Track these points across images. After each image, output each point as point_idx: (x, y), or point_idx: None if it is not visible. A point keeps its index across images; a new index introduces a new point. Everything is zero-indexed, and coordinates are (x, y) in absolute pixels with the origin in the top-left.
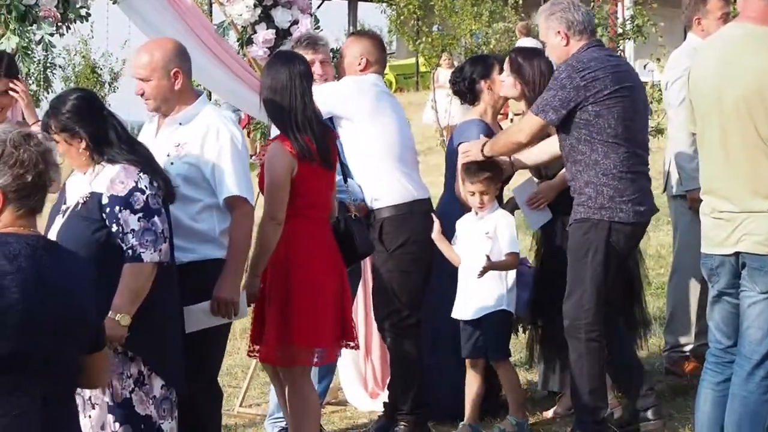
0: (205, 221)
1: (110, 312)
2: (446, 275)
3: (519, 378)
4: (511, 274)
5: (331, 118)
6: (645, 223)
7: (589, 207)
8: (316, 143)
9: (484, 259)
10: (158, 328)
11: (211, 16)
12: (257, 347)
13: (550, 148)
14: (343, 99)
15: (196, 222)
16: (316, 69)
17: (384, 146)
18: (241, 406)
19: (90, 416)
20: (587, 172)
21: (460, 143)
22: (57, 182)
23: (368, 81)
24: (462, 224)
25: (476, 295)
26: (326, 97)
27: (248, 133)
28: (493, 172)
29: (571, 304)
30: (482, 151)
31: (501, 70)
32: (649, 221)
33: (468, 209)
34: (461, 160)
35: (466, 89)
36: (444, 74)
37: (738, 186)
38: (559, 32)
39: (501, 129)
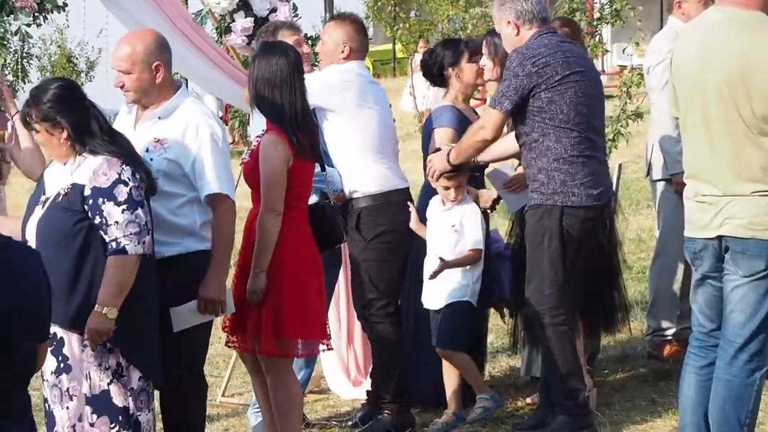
0: (186, 216)
1: (97, 306)
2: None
3: (470, 361)
4: (477, 266)
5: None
6: (601, 206)
7: (542, 193)
8: (310, 138)
9: (446, 252)
10: (138, 320)
11: (186, 4)
12: (233, 338)
13: (511, 143)
14: (328, 92)
15: (177, 217)
16: (304, 48)
17: (365, 138)
18: (223, 395)
19: (67, 408)
20: (540, 159)
21: (433, 128)
22: (40, 172)
23: (353, 71)
24: (430, 214)
25: (441, 286)
26: (311, 89)
27: (226, 122)
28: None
29: (531, 291)
30: (448, 160)
31: (471, 57)
32: (606, 204)
33: None
34: (429, 175)
35: (435, 74)
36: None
37: (721, 170)
38: (509, 22)
39: (476, 114)
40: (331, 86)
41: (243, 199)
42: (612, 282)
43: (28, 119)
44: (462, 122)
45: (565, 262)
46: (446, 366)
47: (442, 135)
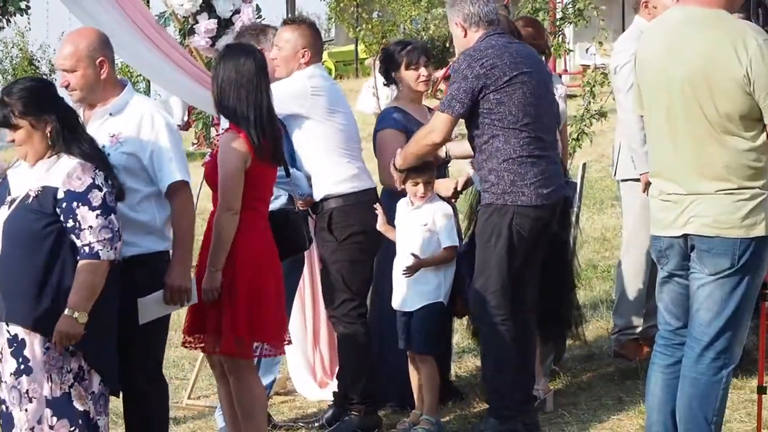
0: (145, 211)
1: (67, 309)
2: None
3: (437, 374)
4: (450, 265)
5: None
6: (551, 205)
7: (494, 193)
8: (272, 141)
9: (420, 251)
10: (102, 325)
11: (148, 5)
12: (190, 338)
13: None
14: (301, 99)
15: (137, 213)
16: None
17: (335, 140)
18: (189, 398)
19: (26, 410)
20: (491, 161)
21: (378, 130)
22: None
23: (319, 75)
24: (399, 214)
25: (414, 287)
26: (281, 96)
27: (190, 124)
28: (428, 162)
29: (476, 289)
30: (395, 166)
31: (408, 66)
32: (559, 203)
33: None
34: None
35: (386, 74)
36: None
37: (685, 168)
38: (457, 24)
39: (430, 113)
40: (303, 93)
41: (206, 201)
42: (567, 288)
43: (7, 117)
44: (408, 123)
45: (512, 262)
46: (412, 367)
47: (384, 137)
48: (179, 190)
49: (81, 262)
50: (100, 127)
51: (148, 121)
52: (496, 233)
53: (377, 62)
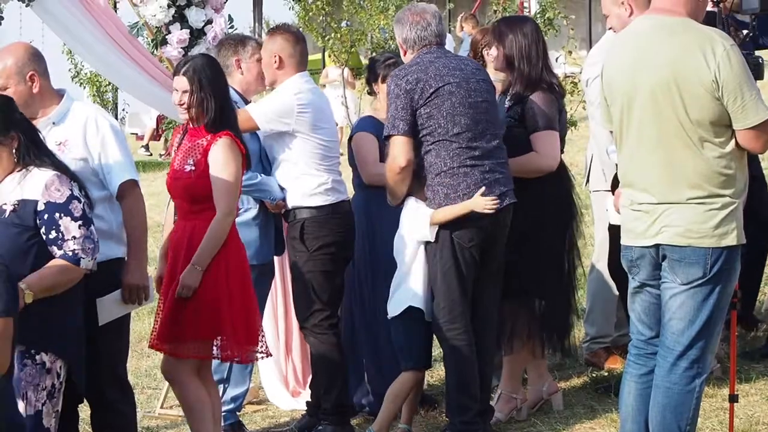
0: (99, 217)
1: (21, 283)
2: (381, 276)
3: None
4: None
5: None
6: (491, 214)
7: (431, 208)
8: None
9: None
10: (80, 334)
11: (115, 10)
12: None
13: None
14: (287, 117)
15: (94, 218)
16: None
17: (315, 153)
18: (161, 407)
19: None
20: (428, 176)
21: (352, 135)
22: None
23: (306, 89)
24: (412, 215)
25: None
26: (267, 114)
27: (160, 133)
28: None
29: (432, 306)
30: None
31: (384, 79)
32: (504, 210)
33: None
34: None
35: (367, 81)
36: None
37: (656, 177)
38: (399, 44)
39: None
40: (288, 112)
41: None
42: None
43: None
44: (381, 130)
45: (459, 275)
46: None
47: (359, 138)
48: (129, 189)
49: (58, 260)
50: (45, 137)
51: (92, 125)
52: (439, 248)
53: (346, 71)
